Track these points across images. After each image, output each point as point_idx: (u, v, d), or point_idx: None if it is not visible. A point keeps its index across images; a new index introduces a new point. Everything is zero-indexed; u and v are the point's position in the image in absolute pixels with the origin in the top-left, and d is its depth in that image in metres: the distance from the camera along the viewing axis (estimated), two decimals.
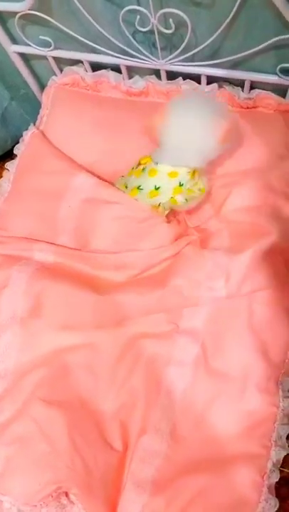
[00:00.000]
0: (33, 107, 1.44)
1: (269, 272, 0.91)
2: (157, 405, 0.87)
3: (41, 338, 0.94)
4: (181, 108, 0.96)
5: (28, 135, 1.18)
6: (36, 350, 0.93)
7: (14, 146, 1.59)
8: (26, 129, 1.22)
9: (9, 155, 1.64)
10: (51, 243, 1.04)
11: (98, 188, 1.06)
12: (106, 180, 1.09)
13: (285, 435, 0.83)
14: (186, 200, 1.00)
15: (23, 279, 0.97)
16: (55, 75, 1.21)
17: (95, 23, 0.97)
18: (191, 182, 0.99)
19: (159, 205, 1.01)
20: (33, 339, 0.94)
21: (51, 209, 1.07)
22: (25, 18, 1.02)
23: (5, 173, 1.18)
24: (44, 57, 1.15)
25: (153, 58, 1.02)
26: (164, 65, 1.03)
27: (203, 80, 1.05)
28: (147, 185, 1.00)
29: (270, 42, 0.89)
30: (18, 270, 0.99)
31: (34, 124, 1.22)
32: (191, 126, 0.94)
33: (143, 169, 1.01)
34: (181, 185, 0.99)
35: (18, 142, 1.60)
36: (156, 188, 0.99)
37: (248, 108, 1.09)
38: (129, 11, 0.92)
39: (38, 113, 1.26)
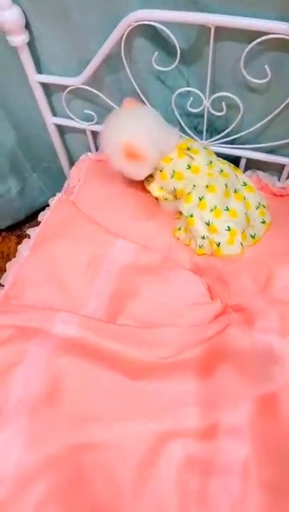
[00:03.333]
0: (53, 180, 1.43)
1: None
2: None
3: (53, 431, 0.76)
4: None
5: (55, 201, 1.13)
6: (46, 448, 0.75)
7: (27, 216, 1.56)
8: (43, 201, 1.18)
9: (18, 225, 1.59)
10: (75, 313, 0.92)
11: (139, 254, 1.00)
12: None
13: None
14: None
15: (44, 355, 0.82)
16: (90, 151, 1.22)
17: (147, 104, 0.99)
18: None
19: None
20: (43, 433, 0.76)
21: (84, 275, 0.97)
22: (73, 91, 1.04)
23: (25, 240, 1.09)
24: (78, 131, 1.17)
25: (196, 138, 1.04)
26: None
27: (243, 162, 1.07)
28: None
29: None
30: (36, 344, 0.84)
31: (54, 195, 1.18)
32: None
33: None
34: None
35: (33, 213, 1.57)
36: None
37: (281, 196, 1.11)
38: (181, 93, 0.95)
39: (58, 186, 1.24)
